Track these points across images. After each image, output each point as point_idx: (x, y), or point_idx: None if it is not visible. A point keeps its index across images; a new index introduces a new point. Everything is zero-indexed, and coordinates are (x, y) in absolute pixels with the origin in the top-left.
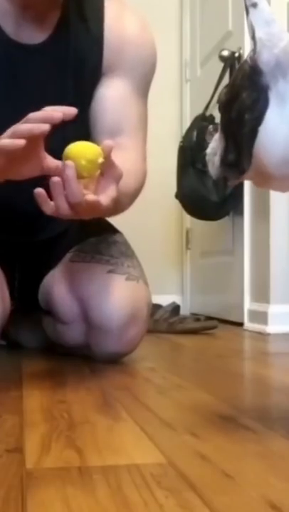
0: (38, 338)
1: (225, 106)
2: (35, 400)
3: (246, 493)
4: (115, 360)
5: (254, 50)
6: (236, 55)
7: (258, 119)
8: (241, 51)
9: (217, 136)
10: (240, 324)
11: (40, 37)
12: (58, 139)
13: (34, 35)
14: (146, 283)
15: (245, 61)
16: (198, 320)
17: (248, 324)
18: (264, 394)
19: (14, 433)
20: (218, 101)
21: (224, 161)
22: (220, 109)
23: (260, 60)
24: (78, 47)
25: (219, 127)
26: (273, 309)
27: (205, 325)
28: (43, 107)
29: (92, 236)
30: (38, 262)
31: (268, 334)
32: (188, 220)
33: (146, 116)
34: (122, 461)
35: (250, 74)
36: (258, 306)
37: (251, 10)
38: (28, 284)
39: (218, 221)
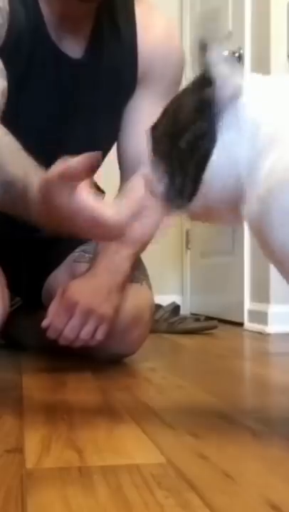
0: (39, 337)
1: (170, 136)
2: (35, 399)
3: (246, 493)
4: (116, 361)
5: (213, 86)
6: (236, 55)
7: (211, 146)
8: (241, 51)
9: (153, 165)
10: (240, 324)
11: (76, 49)
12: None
13: (71, 47)
14: (149, 285)
15: (188, 94)
16: (198, 320)
17: (248, 324)
18: (264, 394)
19: (14, 433)
20: (155, 133)
21: (170, 189)
22: (158, 140)
23: (219, 94)
24: (113, 61)
25: (156, 157)
26: (273, 309)
27: (205, 325)
28: (76, 120)
29: None
30: (43, 261)
31: (268, 334)
32: (188, 220)
33: None
34: (122, 461)
35: (205, 106)
36: (258, 306)
37: (204, 52)
38: (34, 282)
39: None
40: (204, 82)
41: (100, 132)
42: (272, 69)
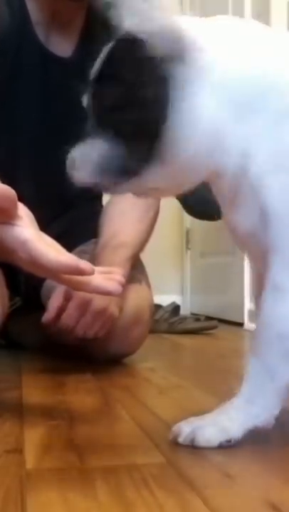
0: (38, 337)
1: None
2: (35, 399)
3: (246, 493)
4: (116, 361)
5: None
6: None
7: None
8: None
9: (93, 140)
10: (240, 324)
11: (66, 47)
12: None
13: (61, 46)
14: (148, 285)
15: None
16: (198, 320)
17: (248, 324)
18: None
19: (14, 433)
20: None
21: (119, 167)
22: (108, 114)
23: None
24: None
25: (100, 131)
26: None
27: (205, 325)
28: (68, 119)
29: (96, 237)
30: None
31: None
32: (189, 220)
33: None
34: (122, 461)
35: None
36: None
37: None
38: (33, 282)
39: (218, 221)
40: (135, 42)
41: None
42: None
